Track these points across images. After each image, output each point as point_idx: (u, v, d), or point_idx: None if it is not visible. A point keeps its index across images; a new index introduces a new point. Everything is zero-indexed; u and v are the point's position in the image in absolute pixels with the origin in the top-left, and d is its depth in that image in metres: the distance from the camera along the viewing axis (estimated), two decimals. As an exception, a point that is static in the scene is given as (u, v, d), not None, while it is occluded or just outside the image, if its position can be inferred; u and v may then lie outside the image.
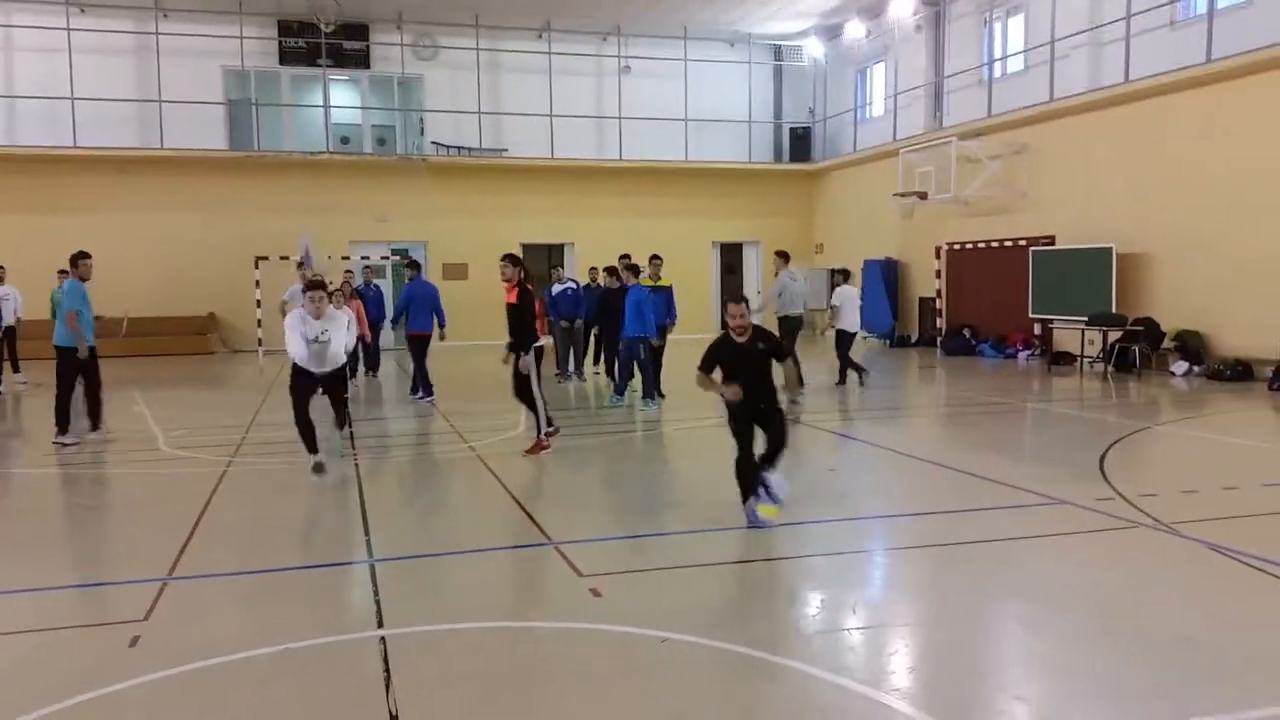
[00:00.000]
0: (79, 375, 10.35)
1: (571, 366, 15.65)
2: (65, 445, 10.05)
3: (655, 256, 14.13)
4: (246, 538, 6.76)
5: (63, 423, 10.18)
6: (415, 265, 14.54)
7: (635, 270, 13.37)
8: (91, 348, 10.32)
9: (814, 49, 26.15)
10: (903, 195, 20.46)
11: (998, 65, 20.61)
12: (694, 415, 12.10)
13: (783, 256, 14.23)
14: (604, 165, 24.84)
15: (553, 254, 24.40)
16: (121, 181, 21.96)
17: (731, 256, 27.18)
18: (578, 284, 15.93)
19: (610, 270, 14.47)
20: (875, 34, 23.94)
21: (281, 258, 21.03)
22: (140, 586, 5.45)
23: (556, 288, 15.66)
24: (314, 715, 3.91)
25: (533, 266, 23.64)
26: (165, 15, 22.24)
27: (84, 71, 21.61)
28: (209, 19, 22.44)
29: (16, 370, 15.74)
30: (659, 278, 13.87)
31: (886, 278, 22.80)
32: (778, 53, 26.76)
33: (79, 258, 10.63)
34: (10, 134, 21.61)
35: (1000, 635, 4.85)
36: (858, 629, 4.85)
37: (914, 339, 22.23)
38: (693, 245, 25.35)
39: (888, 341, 22.57)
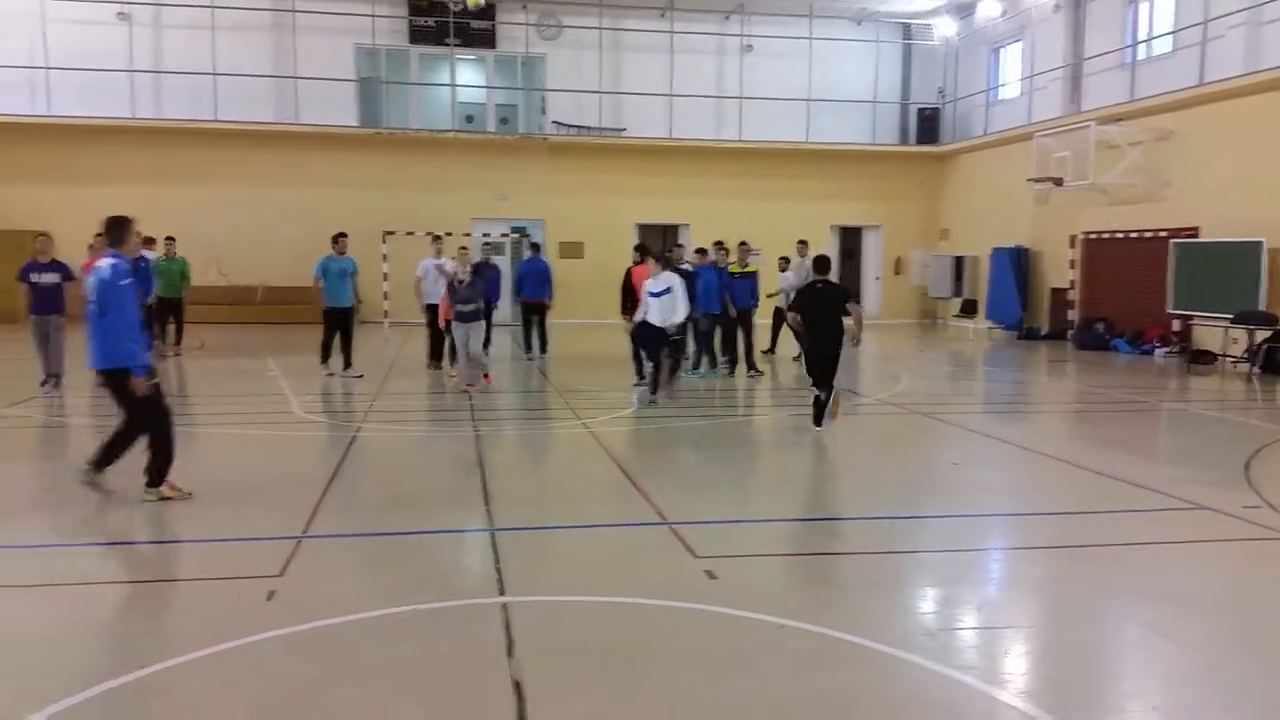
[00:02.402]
0: (337, 328, 13.13)
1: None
2: (330, 375, 13.05)
3: (742, 243, 14.24)
4: (374, 501, 7.00)
5: (325, 359, 13.22)
6: (535, 246, 17.05)
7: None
8: (348, 307, 13.21)
9: (945, 28, 25.28)
10: (1037, 181, 19.63)
11: (1142, 47, 19.52)
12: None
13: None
14: (722, 146, 24.64)
15: (668, 235, 24.37)
16: (258, 155, 22.90)
17: (851, 241, 26.65)
18: (691, 266, 15.94)
19: (700, 252, 14.42)
20: (1011, 13, 22.99)
21: (408, 233, 21.63)
22: (276, 543, 5.71)
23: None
24: (440, 676, 4.02)
25: (656, 248, 23.77)
26: (303, -8, 23.05)
27: (225, 48, 22.59)
28: (344, -3, 23.16)
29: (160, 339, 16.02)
30: (746, 264, 13.91)
31: (1016, 267, 21.95)
32: (907, 31, 25.99)
33: (338, 236, 13.36)
34: (158, 107, 22.78)
35: (1128, 640, 4.63)
36: (978, 627, 4.72)
37: (1043, 331, 21.37)
38: (810, 229, 24.79)
39: (1016, 333, 21.76)
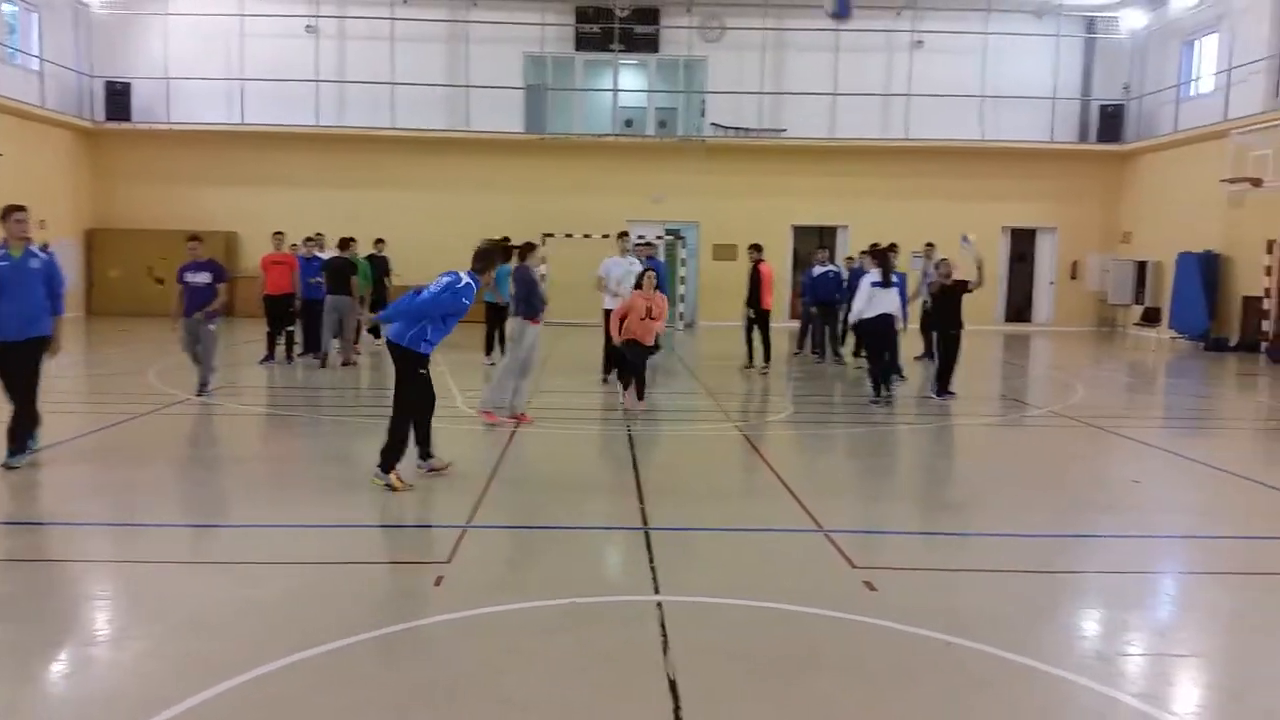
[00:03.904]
0: (498, 322, 13.84)
1: (829, 350, 15.90)
2: (491, 364, 13.77)
3: (892, 245, 13.77)
4: (535, 494, 7.20)
5: (488, 350, 14.40)
6: (649, 244, 16.38)
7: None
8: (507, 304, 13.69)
9: (1133, 20, 23.82)
10: (1232, 182, 18.23)
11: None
12: (974, 410, 11.51)
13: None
14: (886, 145, 24.01)
15: (823, 237, 23.92)
16: (430, 160, 23.91)
17: (1024, 244, 25.47)
18: (839, 269, 15.98)
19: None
20: (1208, 2, 21.42)
21: (566, 235, 22.14)
22: (444, 531, 5.94)
23: (817, 270, 15.70)
24: (597, 669, 4.09)
25: (801, 248, 23.48)
26: (475, 3, 23.91)
27: (403, 59, 23.70)
28: (513, 6, 23.87)
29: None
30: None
31: (1205, 273, 20.43)
32: (1090, 25, 24.62)
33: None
34: (340, 116, 24.13)
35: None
36: (1158, 654, 4.43)
37: (1233, 343, 19.83)
38: (980, 230, 23.57)
39: (1201, 344, 20.28)
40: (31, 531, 6.09)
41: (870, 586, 5.12)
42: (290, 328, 14.43)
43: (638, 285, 10.84)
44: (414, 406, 7.13)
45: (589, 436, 9.81)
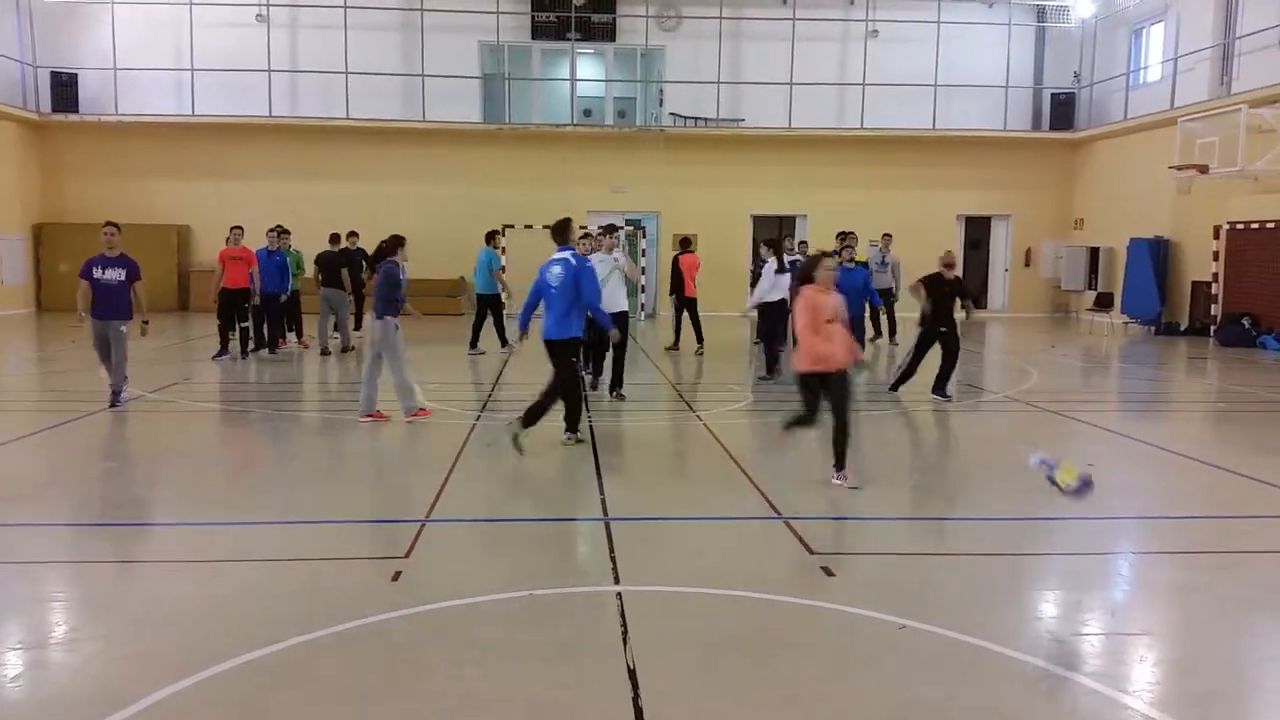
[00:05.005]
0: (486, 312, 15.35)
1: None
2: (483, 353, 14.82)
3: (849, 233, 14.17)
4: (495, 488, 7.16)
5: (473, 342, 15.08)
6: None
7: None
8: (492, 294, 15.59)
9: (1083, 9, 24.14)
10: (1180, 169, 18.57)
11: (1304, 21, 18.19)
12: (932, 396, 11.63)
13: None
14: (844, 135, 24.15)
15: (783, 226, 24.03)
16: (386, 151, 23.62)
17: (978, 231, 25.77)
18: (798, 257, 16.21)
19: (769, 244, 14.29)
20: (1155, -10, 21.78)
21: (526, 225, 22.00)
22: (402, 526, 5.90)
23: (788, 259, 15.72)
24: (557, 661, 4.08)
25: (762, 238, 23.57)
26: (431, -8, 23.65)
27: (357, 48, 23.36)
28: (469, -5, 23.64)
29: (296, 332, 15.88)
30: (852, 259, 13.52)
31: (1155, 258, 20.83)
32: (1041, 13, 24.93)
33: (494, 233, 15.96)
34: (293, 106, 23.76)
35: (1277, 656, 4.35)
36: (1110, 633, 4.51)
37: (1183, 327, 20.25)
38: (935, 218, 24.21)
39: (1153, 328, 20.69)
40: (-23, 534, 5.95)
41: (828, 572, 5.16)
42: (244, 323, 14.27)
43: (807, 277, 6.97)
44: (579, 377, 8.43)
45: (549, 428, 9.77)
